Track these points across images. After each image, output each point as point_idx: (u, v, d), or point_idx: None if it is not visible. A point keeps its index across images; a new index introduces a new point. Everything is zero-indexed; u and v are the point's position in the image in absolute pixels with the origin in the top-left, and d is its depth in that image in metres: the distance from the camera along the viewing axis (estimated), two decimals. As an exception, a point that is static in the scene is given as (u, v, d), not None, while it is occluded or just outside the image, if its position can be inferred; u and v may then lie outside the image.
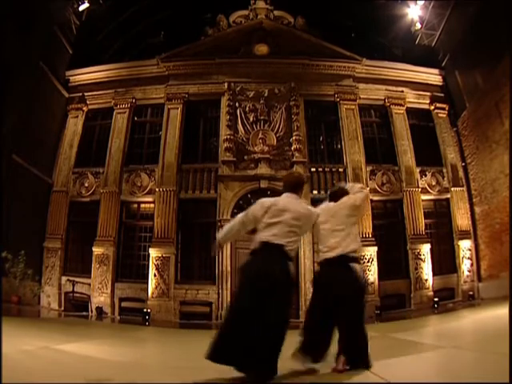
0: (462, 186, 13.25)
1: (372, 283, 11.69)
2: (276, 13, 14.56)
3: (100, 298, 11.77)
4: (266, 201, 3.51)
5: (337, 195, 3.88)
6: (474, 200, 13.00)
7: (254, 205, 3.56)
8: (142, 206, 13.03)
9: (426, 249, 12.26)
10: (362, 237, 12.10)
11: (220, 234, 3.79)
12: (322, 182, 12.79)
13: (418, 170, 13.26)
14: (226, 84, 13.58)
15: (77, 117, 14.00)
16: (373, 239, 12.15)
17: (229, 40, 14.16)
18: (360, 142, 13.27)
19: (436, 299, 11.44)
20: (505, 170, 10.83)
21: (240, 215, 3.63)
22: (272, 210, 3.40)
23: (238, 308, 3.21)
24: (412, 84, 14.25)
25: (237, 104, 13.39)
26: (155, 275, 11.74)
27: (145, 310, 10.61)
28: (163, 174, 12.76)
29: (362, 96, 13.89)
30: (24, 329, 6.13)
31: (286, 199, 3.54)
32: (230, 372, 2.96)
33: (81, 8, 13.99)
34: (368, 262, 11.82)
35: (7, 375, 2.44)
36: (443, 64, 14.45)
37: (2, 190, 9.35)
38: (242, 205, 12.49)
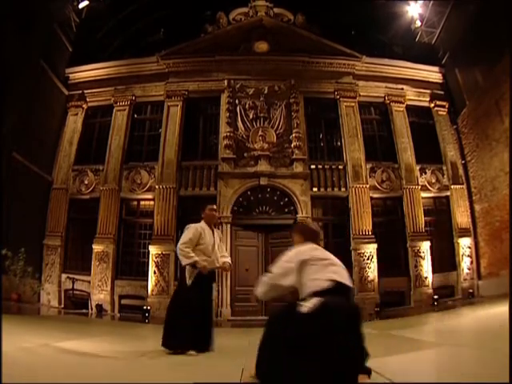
0: (462, 184, 13.25)
1: (372, 280, 11.72)
2: (276, 10, 14.53)
3: (100, 295, 11.78)
4: None
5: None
6: (473, 198, 13.00)
7: None
8: (142, 203, 13.03)
9: (425, 246, 12.26)
10: (362, 234, 12.15)
11: None
12: (322, 179, 12.81)
13: (417, 167, 13.25)
14: (225, 81, 13.55)
15: (76, 114, 13.99)
16: (372, 236, 12.16)
17: (229, 37, 14.13)
18: (360, 140, 13.26)
19: (436, 297, 11.46)
20: (505, 168, 10.82)
21: None
22: None
23: None
24: (412, 81, 14.22)
25: (237, 101, 13.38)
26: (155, 272, 11.75)
27: (144, 308, 10.59)
28: (163, 171, 12.76)
29: (361, 93, 13.88)
30: (24, 326, 6.13)
31: None
32: (229, 371, 2.95)
33: (80, 6, 13.97)
34: (368, 259, 11.84)
35: (7, 373, 2.44)
36: (443, 62, 14.43)
37: (2, 188, 9.34)
38: (241, 202, 12.51)
